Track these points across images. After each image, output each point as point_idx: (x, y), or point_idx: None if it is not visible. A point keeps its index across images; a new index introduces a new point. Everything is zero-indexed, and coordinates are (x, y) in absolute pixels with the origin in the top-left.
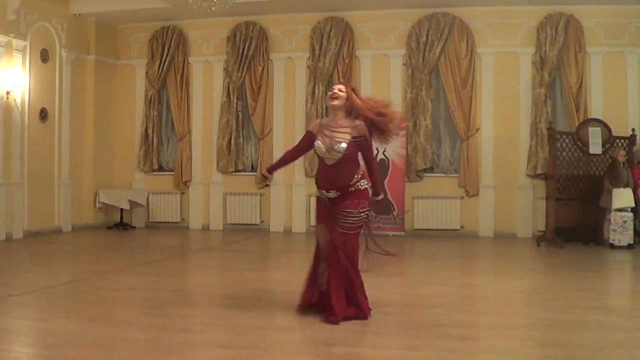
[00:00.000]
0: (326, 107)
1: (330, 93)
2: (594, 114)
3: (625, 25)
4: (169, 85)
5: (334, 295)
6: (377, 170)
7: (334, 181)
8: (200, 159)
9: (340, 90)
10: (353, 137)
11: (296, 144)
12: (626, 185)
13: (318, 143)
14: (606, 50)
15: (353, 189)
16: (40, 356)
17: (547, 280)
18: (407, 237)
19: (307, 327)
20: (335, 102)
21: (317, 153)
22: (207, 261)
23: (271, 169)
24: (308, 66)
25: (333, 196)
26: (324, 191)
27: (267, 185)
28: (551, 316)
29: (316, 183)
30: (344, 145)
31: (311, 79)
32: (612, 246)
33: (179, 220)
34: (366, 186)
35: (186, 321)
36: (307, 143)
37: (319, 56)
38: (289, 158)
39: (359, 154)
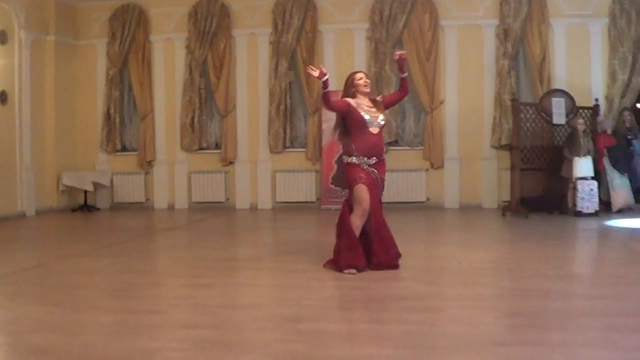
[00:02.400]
0: (290, 83)
1: (363, 81)
2: (558, 84)
3: None
4: (130, 64)
5: (390, 245)
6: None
7: (377, 148)
8: (164, 138)
9: (367, 79)
10: (383, 110)
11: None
12: (586, 154)
13: (365, 115)
14: (569, 21)
15: (384, 157)
16: (5, 344)
17: (512, 250)
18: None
19: (272, 304)
20: (368, 89)
21: (364, 123)
22: (173, 241)
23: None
24: (271, 42)
25: (372, 162)
26: (366, 158)
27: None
28: (517, 286)
29: (353, 153)
30: (383, 117)
31: (274, 55)
32: (580, 214)
33: (144, 200)
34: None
35: (152, 302)
36: (345, 104)
37: (281, 32)
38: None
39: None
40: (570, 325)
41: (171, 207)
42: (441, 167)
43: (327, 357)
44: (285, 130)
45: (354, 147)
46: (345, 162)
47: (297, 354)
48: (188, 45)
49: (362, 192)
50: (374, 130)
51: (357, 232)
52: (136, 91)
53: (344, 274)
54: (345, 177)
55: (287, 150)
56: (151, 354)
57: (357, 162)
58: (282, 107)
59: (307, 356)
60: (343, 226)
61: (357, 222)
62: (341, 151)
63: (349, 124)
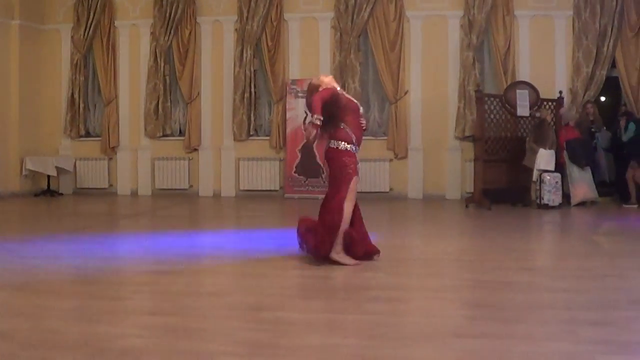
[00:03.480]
0: (255, 71)
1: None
2: (522, 76)
3: None
4: (95, 50)
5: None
6: None
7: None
8: (128, 124)
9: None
10: None
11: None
12: (551, 147)
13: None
14: (534, 13)
15: None
16: None
17: (475, 241)
18: None
19: (235, 292)
20: None
21: (358, 109)
22: (136, 227)
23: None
24: (236, 29)
25: (358, 151)
26: (356, 147)
27: None
28: (479, 277)
29: (350, 140)
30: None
31: (239, 42)
32: (547, 206)
33: (107, 186)
34: None
35: (114, 289)
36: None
37: (247, 19)
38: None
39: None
40: (532, 318)
41: (134, 194)
42: (405, 157)
43: (289, 346)
44: (249, 118)
45: (351, 134)
46: (344, 148)
47: (260, 343)
48: (153, 31)
49: (355, 185)
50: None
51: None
52: (100, 77)
53: (304, 264)
54: (338, 163)
55: (251, 138)
56: (113, 340)
57: (352, 151)
58: (246, 95)
59: (270, 345)
60: (338, 214)
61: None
62: (305, 139)
63: (341, 109)
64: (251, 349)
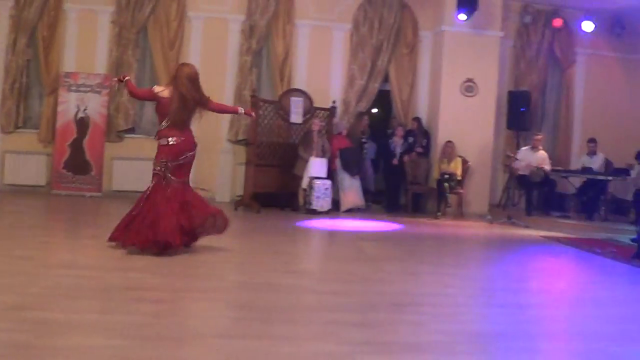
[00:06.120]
0: (28, 61)
1: None
2: (298, 84)
3: (334, 2)
4: None
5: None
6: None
7: None
8: None
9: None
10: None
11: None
12: (321, 155)
13: None
14: (314, 24)
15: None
16: None
17: (243, 244)
18: (104, 198)
19: None
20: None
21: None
22: None
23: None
24: (11, 16)
25: None
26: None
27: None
28: (245, 279)
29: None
30: None
31: (13, 29)
32: (315, 212)
33: None
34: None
35: None
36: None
37: (23, 6)
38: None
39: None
40: (296, 319)
41: None
42: None
43: (52, 347)
44: (18, 110)
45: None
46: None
47: (19, 344)
48: None
49: None
50: None
51: None
52: None
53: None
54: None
55: (19, 130)
56: None
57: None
58: (17, 85)
59: (31, 346)
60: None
61: None
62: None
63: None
64: (8, 350)
